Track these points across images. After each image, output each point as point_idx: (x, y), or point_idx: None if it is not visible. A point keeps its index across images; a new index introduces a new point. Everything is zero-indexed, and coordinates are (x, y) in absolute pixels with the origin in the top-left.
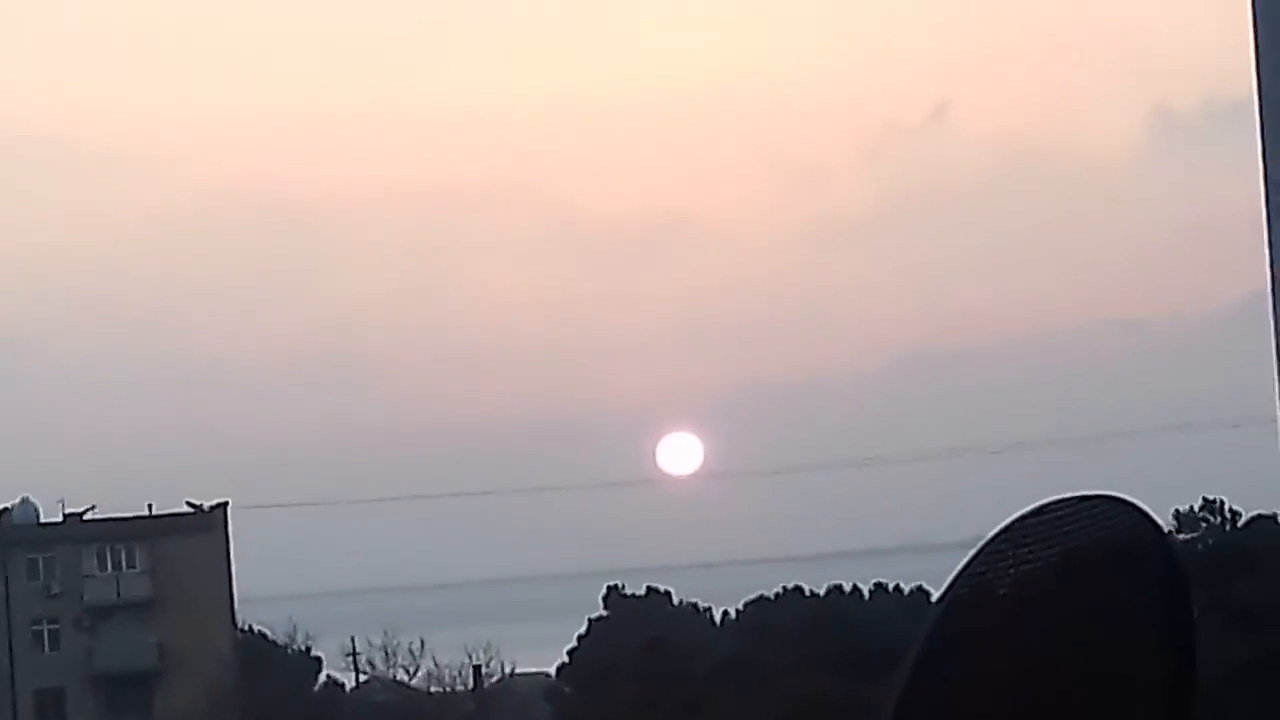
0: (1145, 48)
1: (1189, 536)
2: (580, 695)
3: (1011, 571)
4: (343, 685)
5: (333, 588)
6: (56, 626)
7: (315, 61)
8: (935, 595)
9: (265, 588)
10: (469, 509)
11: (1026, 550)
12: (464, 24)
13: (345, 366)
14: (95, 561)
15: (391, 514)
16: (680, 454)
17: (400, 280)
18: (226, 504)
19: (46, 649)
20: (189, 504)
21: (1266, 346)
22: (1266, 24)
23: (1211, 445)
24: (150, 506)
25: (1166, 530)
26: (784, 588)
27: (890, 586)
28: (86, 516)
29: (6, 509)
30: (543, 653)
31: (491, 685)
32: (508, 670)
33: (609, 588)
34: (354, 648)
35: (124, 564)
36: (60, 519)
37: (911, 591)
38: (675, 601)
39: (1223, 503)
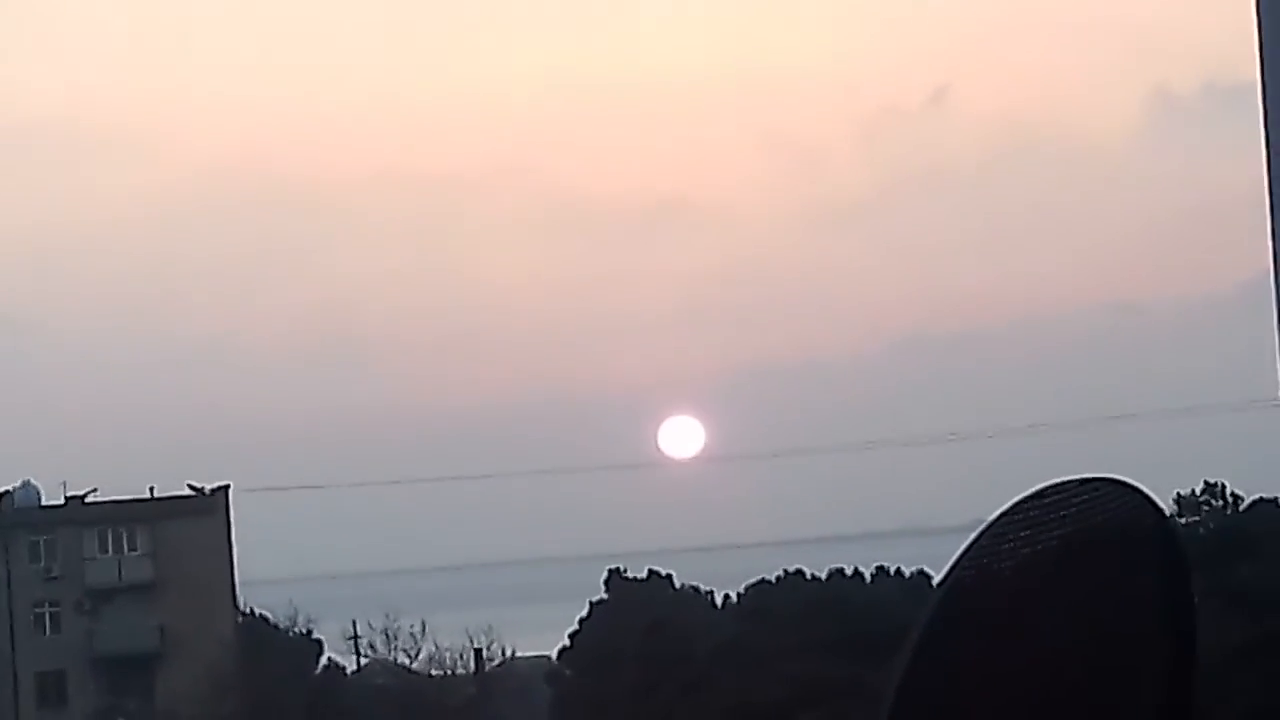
0: (1145, 29)
1: (1190, 520)
2: (581, 678)
3: (1013, 555)
4: (344, 668)
5: (334, 570)
6: (57, 609)
7: (314, 44)
8: (937, 579)
9: (267, 571)
10: (470, 492)
11: (1028, 533)
12: (463, 5)
13: (346, 349)
14: (96, 544)
15: (392, 497)
16: (681, 437)
17: (400, 262)
18: (228, 487)
19: (48, 632)
20: (190, 487)
21: (1268, 330)
22: (1270, 3)
23: (1213, 429)
24: (152, 489)
25: (1168, 513)
26: (785, 571)
27: (891, 570)
28: (88, 499)
29: (7, 491)
30: (544, 636)
31: (492, 668)
32: (509, 653)
33: (610, 571)
34: (355, 631)
35: (125, 547)
36: (62, 502)
37: (913, 575)
38: (676, 585)
39: (1224, 486)
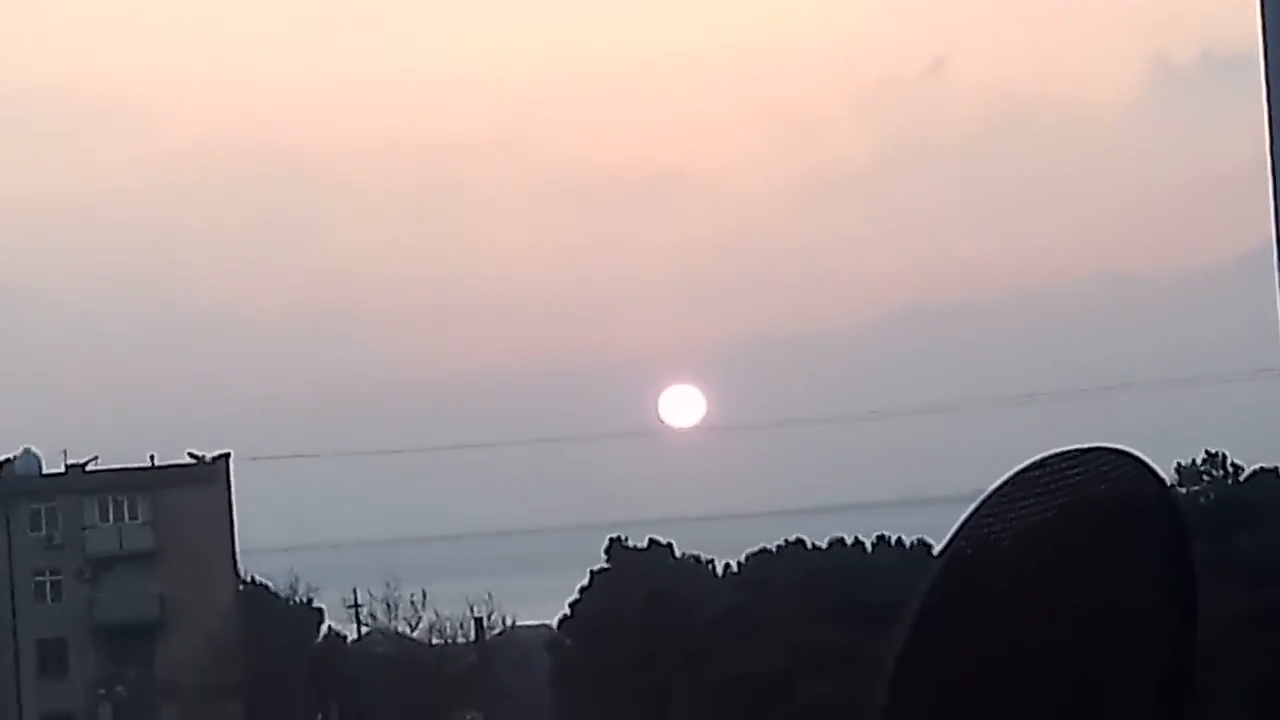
0: None
1: (1191, 490)
2: (582, 647)
3: (1013, 524)
4: (344, 637)
5: (334, 539)
6: (58, 577)
7: (313, 13)
8: (937, 548)
9: (267, 539)
10: (470, 461)
11: (1028, 503)
12: None
13: (345, 318)
14: (97, 513)
15: (393, 466)
16: (682, 406)
17: (399, 232)
18: (228, 455)
19: (49, 600)
20: (191, 455)
21: (1269, 300)
22: None
23: (1213, 399)
24: (152, 458)
25: (1169, 483)
26: (785, 540)
27: (892, 540)
28: (88, 468)
29: (8, 460)
30: (544, 605)
31: (493, 637)
32: (509, 622)
33: (610, 540)
34: (356, 599)
35: (126, 515)
36: (62, 470)
37: (913, 545)
38: (677, 554)
39: (1225, 456)
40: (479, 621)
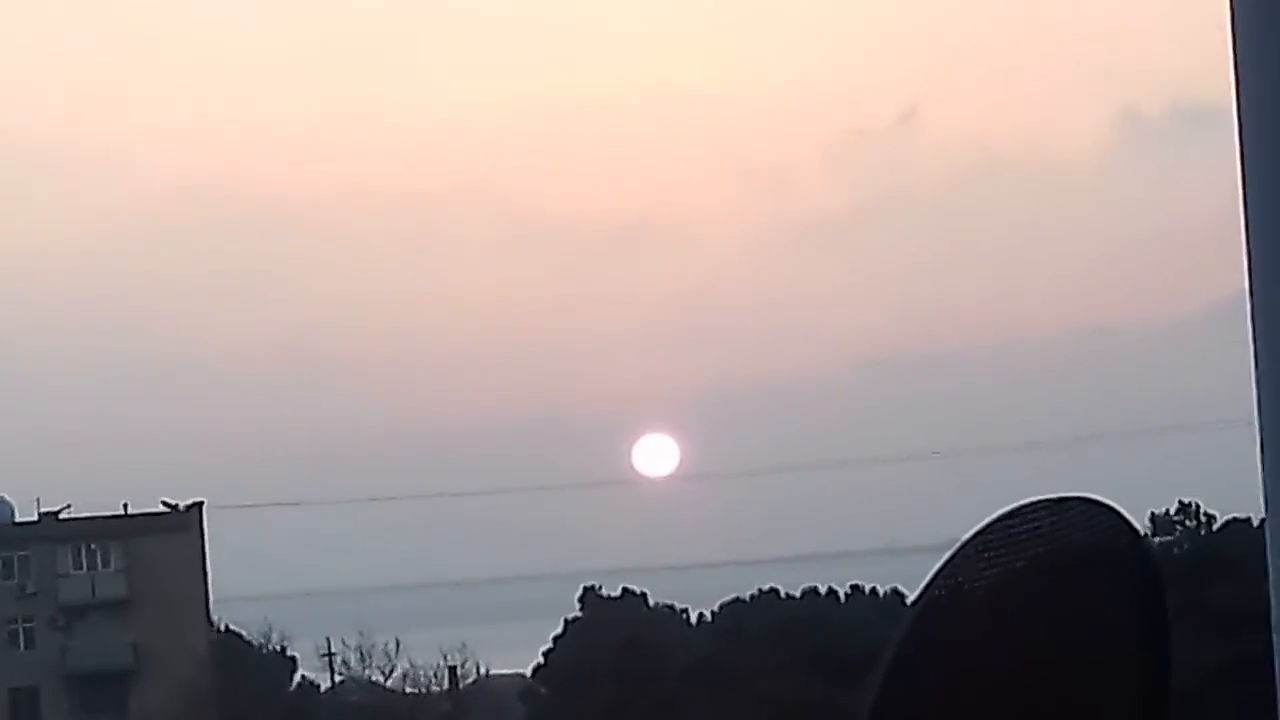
0: (1113, 51)
1: (1165, 540)
2: (556, 696)
3: (987, 574)
4: (318, 686)
5: (308, 588)
6: (31, 625)
7: (284, 63)
8: (911, 598)
9: (241, 587)
10: (443, 510)
11: (1002, 553)
12: (431, 27)
13: (317, 366)
14: (70, 560)
15: (366, 515)
16: (656, 455)
17: (371, 281)
18: (202, 503)
19: (21, 647)
20: (164, 503)
21: (1241, 350)
22: (1245, 22)
23: (1186, 449)
24: (125, 506)
25: (1142, 533)
26: (759, 589)
27: (866, 589)
28: (61, 515)
29: None
30: (518, 654)
31: (467, 686)
32: (483, 671)
33: (584, 589)
34: (329, 648)
35: (99, 563)
36: (35, 518)
37: (887, 594)
38: (651, 603)
39: (1198, 506)
40: (453, 670)
